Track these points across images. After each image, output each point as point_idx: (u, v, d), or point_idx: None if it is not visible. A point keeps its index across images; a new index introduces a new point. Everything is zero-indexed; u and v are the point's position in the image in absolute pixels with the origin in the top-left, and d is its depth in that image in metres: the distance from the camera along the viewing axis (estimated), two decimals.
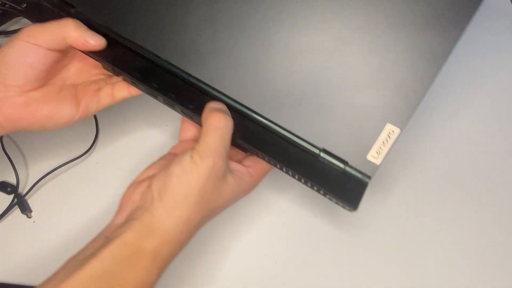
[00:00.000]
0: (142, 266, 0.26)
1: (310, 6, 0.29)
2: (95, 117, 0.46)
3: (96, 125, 0.46)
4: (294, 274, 0.37)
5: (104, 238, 0.28)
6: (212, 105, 0.30)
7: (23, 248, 0.39)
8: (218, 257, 0.38)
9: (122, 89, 0.35)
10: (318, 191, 0.30)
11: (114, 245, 0.26)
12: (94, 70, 0.36)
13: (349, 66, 0.29)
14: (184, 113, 0.32)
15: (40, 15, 0.34)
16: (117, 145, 0.44)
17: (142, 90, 0.33)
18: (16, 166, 0.42)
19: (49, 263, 0.37)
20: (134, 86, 0.34)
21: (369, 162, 0.28)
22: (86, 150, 0.43)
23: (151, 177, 0.30)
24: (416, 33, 0.27)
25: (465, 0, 0.26)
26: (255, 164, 0.32)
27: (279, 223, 0.39)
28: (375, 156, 0.28)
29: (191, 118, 0.32)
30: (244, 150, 0.32)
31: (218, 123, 0.28)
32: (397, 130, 0.28)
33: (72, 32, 0.30)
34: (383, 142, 0.28)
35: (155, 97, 0.33)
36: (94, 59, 0.33)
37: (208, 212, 0.29)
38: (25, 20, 0.55)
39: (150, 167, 0.32)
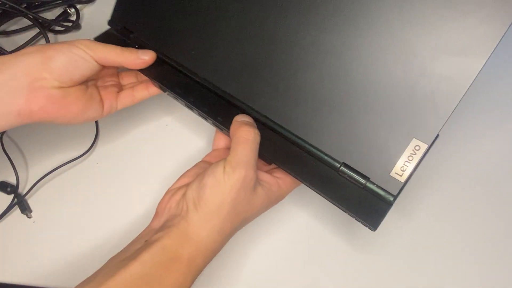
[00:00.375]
0: (179, 272, 0.27)
1: (337, 20, 0.30)
2: None
3: (96, 125, 0.46)
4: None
5: (143, 242, 0.29)
6: (240, 118, 0.32)
7: (23, 248, 0.39)
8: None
9: (142, 90, 0.39)
10: (338, 207, 0.29)
11: (153, 250, 0.27)
12: (109, 77, 0.39)
13: (374, 79, 0.28)
14: (215, 125, 0.35)
15: (106, 36, 0.41)
16: (117, 145, 0.44)
17: (181, 104, 0.37)
18: (16, 166, 0.42)
19: (49, 263, 0.38)
20: (176, 100, 0.38)
21: (393, 178, 0.27)
22: (86, 150, 0.43)
23: (186, 185, 0.31)
24: (446, 44, 0.26)
25: (500, 13, 0.24)
26: (285, 176, 0.33)
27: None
28: (399, 173, 0.27)
29: (221, 129, 0.35)
30: (267, 161, 0.33)
31: (247, 136, 0.30)
32: (424, 146, 0.26)
33: (130, 57, 0.35)
34: (409, 158, 0.27)
35: (192, 109, 0.36)
36: (146, 75, 0.37)
37: (239, 222, 0.30)
38: (25, 20, 0.55)
39: (185, 175, 0.33)
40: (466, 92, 0.25)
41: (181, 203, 0.30)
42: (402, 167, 0.27)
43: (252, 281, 0.36)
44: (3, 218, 0.40)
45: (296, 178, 0.31)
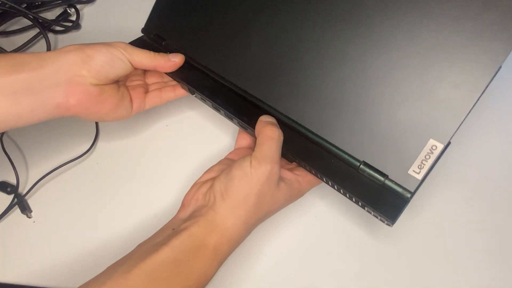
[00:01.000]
0: (205, 258, 0.29)
1: (361, 31, 0.31)
2: None
3: (96, 125, 0.46)
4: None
5: (171, 230, 0.31)
6: (264, 118, 0.34)
7: (23, 248, 0.39)
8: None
9: (169, 92, 0.41)
10: (357, 202, 0.31)
11: (182, 237, 0.29)
12: (136, 77, 0.42)
13: (394, 80, 0.30)
14: (240, 125, 0.37)
15: (139, 42, 0.44)
16: (117, 145, 0.44)
17: (208, 105, 0.40)
18: (16, 166, 0.42)
19: (49, 263, 0.38)
20: (203, 102, 0.40)
21: (411, 176, 0.28)
22: (86, 150, 0.43)
23: (212, 179, 0.33)
24: (462, 47, 0.28)
25: None
26: (305, 174, 0.34)
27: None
28: (416, 171, 0.28)
29: (245, 129, 0.37)
30: (290, 160, 0.35)
31: (272, 134, 0.32)
32: (440, 146, 0.28)
33: (161, 61, 0.38)
34: (426, 157, 0.28)
35: (218, 110, 0.39)
36: (176, 79, 0.40)
37: (263, 214, 0.32)
38: (25, 20, 0.55)
39: (210, 170, 0.35)
40: (478, 99, 0.27)
41: (208, 194, 0.32)
42: (420, 165, 0.28)
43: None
44: (3, 218, 0.40)
45: (317, 176, 0.33)
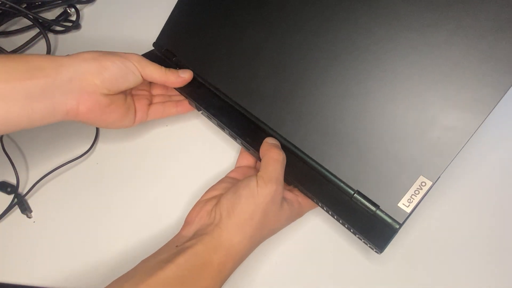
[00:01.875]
0: (210, 275, 0.30)
1: (363, 68, 0.33)
2: None
3: None
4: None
5: (175, 248, 0.31)
6: (270, 140, 0.35)
7: (23, 248, 0.39)
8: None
9: (171, 108, 0.42)
10: (348, 229, 0.32)
11: (187, 255, 0.30)
12: (142, 86, 0.42)
13: (392, 118, 0.32)
14: (243, 145, 0.38)
15: (150, 56, 0.44)
16: (117, 145, 0.44)
17: (213, 123, 0.41)
18: (16, 166, 0.42)
19: (49, 263, 0.38)
20: (208, 119, 0.42)
21: (400, 209, 0.30)
22: (86, 150, 0.43)
23: (216, 197, 0.34)
24: (456, 94, 0.30)
25: (500, 79, 0.28)
26: (305, 196, 0.35)
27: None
28: (406, 204, 0.30)
29: (247, 149, 0.38)
30: (288, 182, 0.36)
31: (277, 156, 0.33)
32: (429, 183, 0.30)
33: (171, 77, 0.39)
34: (415, 192, 0.30)
35: (223, 129, 0.40)
36: (184, 95, 0.41)
37: (267, 232, 0.33)
38: (25, 20, 0.55)
39: (213, 188, 0.36)
40: (467, 141, 0.29)
41: (213, 212, 0.33)
42: (409, 199, 0.30)
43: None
44: (3, 218, 0.40)
45: (313, 201, 0.34)
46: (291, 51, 0.36)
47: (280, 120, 0.36)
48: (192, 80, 0.41)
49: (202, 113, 0.42)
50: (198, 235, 0.32)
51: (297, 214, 0.36)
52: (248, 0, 0.39)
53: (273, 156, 0.33)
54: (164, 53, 0.45)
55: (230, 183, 0.36)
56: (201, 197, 0.36)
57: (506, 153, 0.42)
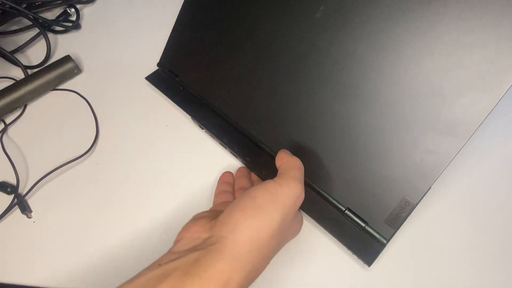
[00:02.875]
0: None
1: (352, 89, 0.34)
2: (95, 117, 0.46)
3: (96, 125, 0.46)
4: None
5: (158, 265, 0.25)
6: (286, 151, 0.33)
7: (23, 248, 0.39)
8: None
9: None
10: (340, 242, 0.34)
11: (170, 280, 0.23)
12: None
13: (379, 141, 0.33)
14: (242, 163, 0.41)
15: (156, 77, 0.47)
16: (117, 145, 0.44)
17: (215, 141, 0.43)
18: (16, 166, 0.42)
19: (49, 263, 0.37)
20: (211, 137, 0.43)
21: (386, 226, 0.33)
22: (86, 150, 0.43)
23: (206, 216, 0.29)
24: (435, 124, 0.31)
25: (491, 83, 0.29)
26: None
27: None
28: (392, 222, 0.32)
29: (250, 168, 0.40)
30: None
31: (299, 163, 0.31)
32: (412, 203, 0.32)
33: None
34: (400, 211, 0.32)
35: (224, 147, 0.42)
36: (188, 114, 0.43)
37: (281, 241, 0.29)
38: (25, 20, 0.55)
39: (198, 215, 0.30)
40: (449, 164, 0.30)
41: (213, 223, 0.27)
42: (395, 217, 0.32)
43: None
44: (3, 218, 0.40)
45: (308, 215, 0.36)
46: (284, 75, 0.37)
47: (277, 140, 0.38)
48: (194, 100, 0.43)
49: (205, 131, 0.43)
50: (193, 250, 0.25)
51: (299, 227, 0.33)
52: (240, 24, 0.40)
53: (296, 163, 0.30)
54: (167, 73, 0.46)
55: (219, 210, 0.29)
56: (194, 216, 0.30)
57: (506, 153, 0.42)
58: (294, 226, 0.30)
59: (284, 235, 0.28)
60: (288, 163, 0.30)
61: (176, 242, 0.28)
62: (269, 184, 0.27)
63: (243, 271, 0.24)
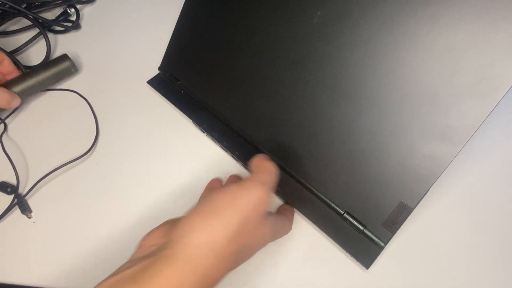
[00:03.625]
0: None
1: (351, 99, 0.34)
2: (95, 117, 0.46)
3: (96, 125, 0.46)
4: None
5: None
6: (263, 155, 0.32)
7: (23, 248, 0.39)
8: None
9: None
10: (338, 245, 0.35)
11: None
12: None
13: (378, 146, 0.33)
14: (243, 167, 0.41)
15: (157, 81, 0.47)
16: (117, 145, 0.45)
17: (216, 144, 0.43)
18: (16, 166, 0.42)
19: (49, 263, 0.38)
20: (212, 141, 0.43)
21: (384, 230, 0.33)
22: (86, 150, 0.44)
23: (170, 222, 0.29)
24: (432, 130, 0.31)
25: (488, 88, 0.29)
26: (290, 213, 0.36)
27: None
28: (389, 225, 0.33)
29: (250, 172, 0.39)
30: (284, 201, 0.38)
31: (270, 168, 0.30)
32: (409, 207, 0.32)
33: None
34: (397, 215, 0.33)
35: (225, 151, 0.42)
36: (189, 118, 0.44)
37: (245, 246, 0.27)
38: (25, 20, 0.55)
39: (168, 220, 0.31)
40: (444, 169, 0.31)
41: (170, 230, 0.27)
42: (392, 221, 0.33)
43: None
44: (3, 218, 0.40)
45: (307, 217, 0.36)
46: (283, 79, 0.38)
47: (277, 144, 0.38)
48: (196, 104, 0.43)
49: (206, 135, 0.43)
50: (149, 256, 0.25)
51: (280, 232, 0.33)
52: (240, 29, 0.40)
53: (266, 165, 0.29)
54: (168, 77, 0.46)
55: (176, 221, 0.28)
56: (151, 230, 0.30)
57: (506, 153, 0.42)
58: (262, 231, 0.28)
59: (246, 240, 0.27)
60: (258, 167, 0.29)
61: (137, 249, 0.28)
62: (231, 187, 0.27)
63: (195, 275, 0.24)
